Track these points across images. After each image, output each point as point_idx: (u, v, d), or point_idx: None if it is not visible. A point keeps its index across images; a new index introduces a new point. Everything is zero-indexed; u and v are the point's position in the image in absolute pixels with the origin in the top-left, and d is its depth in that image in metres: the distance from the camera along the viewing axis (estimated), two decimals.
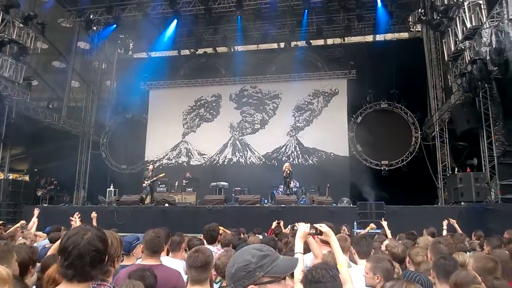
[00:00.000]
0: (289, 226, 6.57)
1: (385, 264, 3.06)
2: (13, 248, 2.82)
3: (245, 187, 16.98)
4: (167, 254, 4.39)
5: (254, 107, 21.30)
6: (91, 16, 18.95)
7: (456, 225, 7.94)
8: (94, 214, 7.22)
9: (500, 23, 9.93)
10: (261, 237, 6.40)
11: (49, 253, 3.78)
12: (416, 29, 20.30)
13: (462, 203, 13.04)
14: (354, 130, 20.14)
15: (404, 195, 14.71)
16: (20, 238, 6.36)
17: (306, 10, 18.27)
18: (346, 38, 20.60)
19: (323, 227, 2.83)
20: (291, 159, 19.46)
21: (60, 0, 19.03)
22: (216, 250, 4.74)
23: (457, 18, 12.58)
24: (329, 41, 21.76)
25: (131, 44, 23.31)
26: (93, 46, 21.34)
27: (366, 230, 7.60)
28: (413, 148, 19.51)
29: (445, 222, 7.78)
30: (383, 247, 4.37)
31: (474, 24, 11.61)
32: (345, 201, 14.70)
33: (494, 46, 10.07)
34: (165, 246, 4.10)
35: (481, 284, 2.74)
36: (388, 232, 6.79)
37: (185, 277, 3.38)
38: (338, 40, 21.18)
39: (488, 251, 4.78)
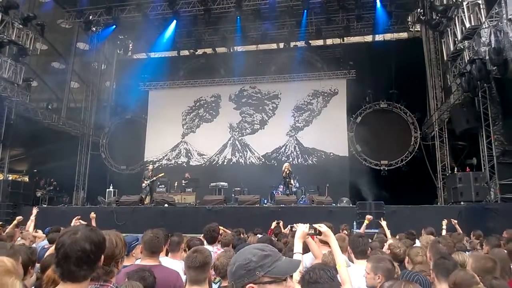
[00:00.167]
0: (288, 226, 6.56)
1: (386, 264, 3.05)
2: (19, 251, 2.83)
3: (245, 187, 16.97)
4: (166, 255, 4.39)
5: (253, 108, 21.31)
6: (91, 17, 18.97)
7: (457, 226, 7.94)
8: (93, 215, 7.21)
9: (499, 23, 9.93)
10: (260, 236, 6.40)
11: (48, 253, 3.79)
12: (415, 29, 20.32)
13: (462, 203, 13.03)
14: (354, 130, 20.15)
15: (404, 195, 14.71)
16: (19, 238, 6.36)
17: (305, 11, 18.28)
18: (345, 38, 20.58)
19: (322, 227, 2.83)
20: (291, 159, 19.46)
21: (59, 1, 19.03)
22: (216, 250, 4.74)
23: (456, 18, 12.59)
24: (329, 41, 21.76)
25: (130, 45, 23.31)
26: (93, 47, 21.36)
27: (365, 223, 7.57)
28: (412, 148, 19.53)
29: (444, 222, 7.78)
30: (385, 247, 4.37)
31: (473, 24, 11.62)
32: (344, 201, 14.70)
33: (493, 46, 10.07)
34: (164, 246, 4.10)
35: (479, 284, 2.74)
36: (388, 232, 6.79)
37: (184, 277, 3.38)
38: (337, 40, 21.17)
39: (487, 251, 4.79)
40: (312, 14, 18.73)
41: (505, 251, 4.33)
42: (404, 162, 19.37)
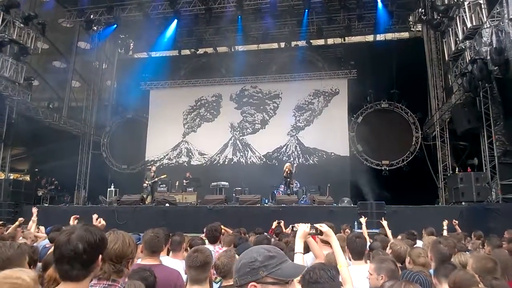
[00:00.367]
0: (290, 226, 6.56)
1: (389, 265, 3.04)
2: (26, 250, 2.83)
3: (246, 187, 16.98)
4: (167, 254, 4.39)
5: (254, 107, 21.31)
6: (92, 16, 19.00)
7: (456, 226, 7.93)
8: (95, 216, 7.21)
9: (501, 23, 9.92)
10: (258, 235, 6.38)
11: (49, 253, 3.79)
12: (417, 29, 20.27)
13: (463, 203, 13.03)
14: (355, 130, 20.14)
15: (405, 195, 14.70)
16: (21, 238, 6.38)
17: (306, 10, 18.26)
18: (346, 38, 20.57)
19: (323, 227, 2.83)
20: (292, 159, 19.46)
21: (60, 0, 19.05)
22: (218, 249, 4.74)
23: (458, 17, 12.58)
24: (330, 41, 21.76)
25: (131, 44, 23.29)
26: (94, 46, 21.42)
27: (363, 224, 7.48)
28: (413, 148, 19.50)
29: (445, 222, 7.76)
30: (388, 247, 4.36)
31: (474, 23, 11.61)
32: (345, 201, 14.69)
33: (494, 46, 10.06)
34: (164, 246, 4.10)
35: (479, 284, 2.74)
36: (389, 232, 6.77)
37: (185, 276, 3.38)
38: (338, 40, 21.16)
39: (489, 251, 4.78)
40: (313, 13, 18.72)
41: (507, 251, 4.33)
42: (405, 162, 19.34)
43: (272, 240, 5.87)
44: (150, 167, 16.66)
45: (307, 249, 3.22)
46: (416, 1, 17.77)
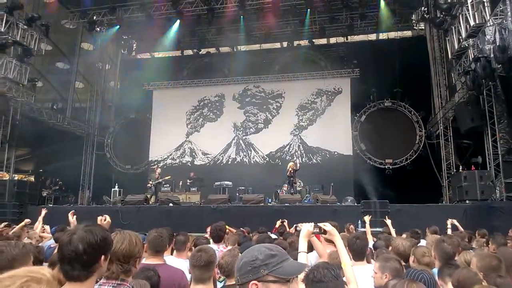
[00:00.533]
0: (294, 226, 6.56)
1: (393, 263, 3.04)
2: (31, 250, 2.84)
3: (249, 186, 17.00)
4: (172, 254, 4.41)
5: (257, 107, 21.32)
6: (94, 17, 19.08)
7: (458, 225, 7.90)
8: (99, 217, 7.24)
9: (504, 21, 9.89)
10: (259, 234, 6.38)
11: (55, 253, 3.81)
12: (419, 27, 20.20)
13: (467, 201, 12.99)
14: (358, 129, 20.11)
15: (409, 193, 14.69)
16: (26, 238, 6.40)
17: (308, 9, 18.24)
18: (349, 37, 20.55)
19: (327, 226, 2.83)
20: (295, 158, 19.42)
21: (63, 2, 19.11)
22: (222, 248, 4.75)
23: (461, 16, 12.54)
24: (332, 40, 21.72)
25: (134, 45, 23.33)
26: (97, 47, 21.50)
27: (367, 222, 7.41)
28: (417, 146, 19.45)
29: (449, 221, 7.74)
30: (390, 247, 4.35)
31: (477, 21, 11.56)
32: (349, 200, 14.68)
33: (498, 44, 10.04)
34: (168, 245, 4.12)
35: (482, 282, 2.75)
36: (393, 231, 6.77)
37: (189, 276, 3.39)
38: (341, 39, 21.14)
39: (494, 249, 4.77)
40: (315, 13, 18.70)
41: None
42: (409, 161, 19.29)
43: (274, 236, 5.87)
44: (155, 169, 16.71)
45: (311, 248, 3.23)
46: None
